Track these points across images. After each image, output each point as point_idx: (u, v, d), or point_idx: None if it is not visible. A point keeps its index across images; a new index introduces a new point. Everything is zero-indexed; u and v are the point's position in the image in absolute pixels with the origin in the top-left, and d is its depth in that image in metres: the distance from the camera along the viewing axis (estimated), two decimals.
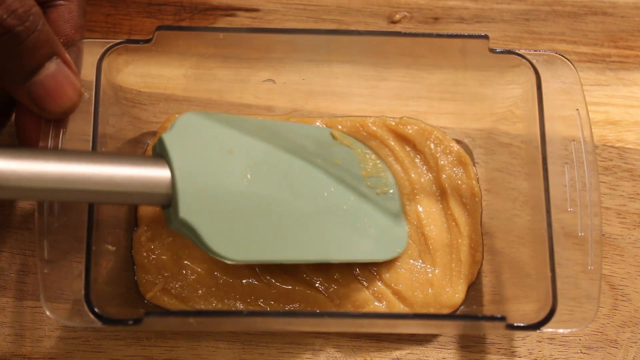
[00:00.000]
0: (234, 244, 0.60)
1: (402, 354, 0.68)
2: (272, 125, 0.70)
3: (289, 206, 0.64)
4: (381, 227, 0.69)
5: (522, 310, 0.65)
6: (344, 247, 0.66)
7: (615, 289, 0.70)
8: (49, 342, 0.67)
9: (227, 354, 0.67)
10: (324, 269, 0.68)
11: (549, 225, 0.62)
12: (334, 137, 0.71)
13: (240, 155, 0.63)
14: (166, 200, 0.58)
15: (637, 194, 0.73)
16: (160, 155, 0.59)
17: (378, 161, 0.72)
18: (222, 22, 0.79)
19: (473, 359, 0.68)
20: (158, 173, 0.58)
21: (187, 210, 0.58)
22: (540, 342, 0.68)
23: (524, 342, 0.68)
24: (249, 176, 0.62)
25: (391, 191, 0.71)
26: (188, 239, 0.59)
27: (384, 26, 0.79)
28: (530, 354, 0.68)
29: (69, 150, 0.61)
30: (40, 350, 0.67)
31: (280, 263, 0.67)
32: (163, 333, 0.67)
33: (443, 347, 0.68)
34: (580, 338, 0.68)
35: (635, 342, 0.68)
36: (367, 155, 0.72)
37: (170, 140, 0.59)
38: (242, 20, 0.79)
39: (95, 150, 0.62)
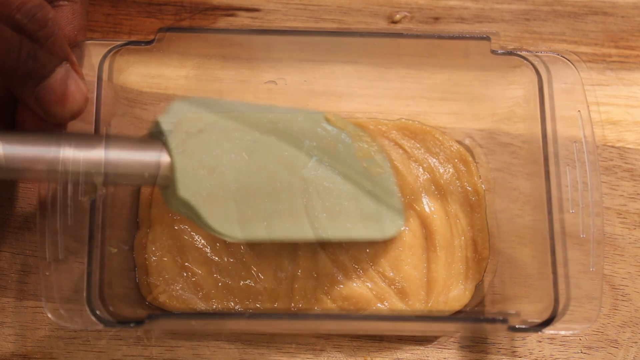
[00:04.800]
0: (234, 222, 0.62)
1: (402, 354, 0.68)
2: (262, 111, 0.70)
3: (287, 184, 0.66)
4: (379, 207, 0.69)
5: (524, 310, 0.65)
6: (342, 226, 0.67)
7: (615, 289, 0.70)
8: (49, 342, 0.67)
9: (227, 354, 0.67)
10: (325, 268, 0.68)
11: (551, 226, 0.62)
12: (327, 120, 0.71)
13: (235, 136, 0.65)
14: (164, 181, 0.61)
15: (638, 194, 0.73)
16: (156, 137, 0.62)
17: (371, 143, 0.71)
18: (223, 22, 0.79)
19: (473, 359, 0.68)
20: (154, 155, 0.61)
21: (185, 189, 0.60)
22: (540, 342, 0.68)
23: (525, 342, 0.68)
24: (245, 155, 0.64)
25: (385, 172, 0.71)
26: (192, 235, 0.61)
27: (384, 26, 0.79)
28: (531, 354, 0.68)
29: (73, 133, 0.62)
30: (41, 350, 0.67)
31: (280, 242, 0.68)
32: (163, 333, 0.67)
33: (443, 347, 0.68)
34: (581, 338, 0.68)
35: (636, 342, 0.68)
36: (361, 137, 0.71)
37: (166, 122, 0.62)
38: (242, 20, 0.79)
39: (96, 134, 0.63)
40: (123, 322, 0.60)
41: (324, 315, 0.66)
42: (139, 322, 0.59)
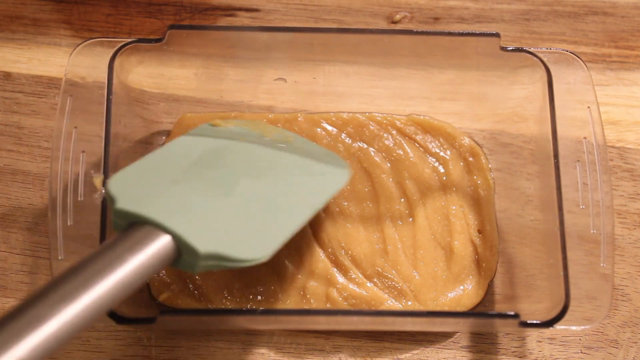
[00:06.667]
0: (254, 244, 0.56)
1: (402, 355, 0.68)
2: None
3: (254, 190, 0.61)
4: (320, 165, 0.66)
5: (527, 310, 0.65)
6: (313, 195, 0.63)
7: (615, 289, 0.70)
8: None
9: (227, 353, 0.67)
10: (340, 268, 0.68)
11: (562, 223, 0.62)
12: (216, 125, 0.68)
13: (180, 170, 0.60)
14: (174, 256, 0.53)
15: (638, 194, 0.73)
16: (132, 225, 0.53)
17: (268, 125, 0.71)
18: (223, 22, 0.79)
19: (473, 359, 0.68)
20: (150, 243, 0.52)
21: (203, 243, 0.52)
22: (540, 342, 0.68)
23: (524, 342, 0.68)
24: (211, 185, 0.59)
25: (293, 137, 0.69)
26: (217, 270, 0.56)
27: (384, 26, 0.79)
28: (531, 354, 0.68)
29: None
30: None
31: (291, 237, 0.62)
32: (163, 333, 0.67)
33: (443, 347, 0.68)
34: (581, 338, 0.68)
35: (636, 342, 0.68)
36: (255, 123, 0.70)
37: (126, 200, 0.54)
38: (242, 20, 0.79)
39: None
40: (135, 319, 0.60)
41: (337, 312, 0.65)
42: (151, 319, 0.59)
